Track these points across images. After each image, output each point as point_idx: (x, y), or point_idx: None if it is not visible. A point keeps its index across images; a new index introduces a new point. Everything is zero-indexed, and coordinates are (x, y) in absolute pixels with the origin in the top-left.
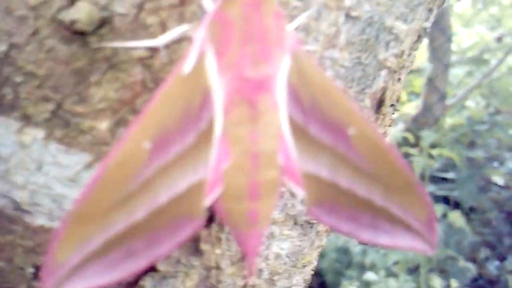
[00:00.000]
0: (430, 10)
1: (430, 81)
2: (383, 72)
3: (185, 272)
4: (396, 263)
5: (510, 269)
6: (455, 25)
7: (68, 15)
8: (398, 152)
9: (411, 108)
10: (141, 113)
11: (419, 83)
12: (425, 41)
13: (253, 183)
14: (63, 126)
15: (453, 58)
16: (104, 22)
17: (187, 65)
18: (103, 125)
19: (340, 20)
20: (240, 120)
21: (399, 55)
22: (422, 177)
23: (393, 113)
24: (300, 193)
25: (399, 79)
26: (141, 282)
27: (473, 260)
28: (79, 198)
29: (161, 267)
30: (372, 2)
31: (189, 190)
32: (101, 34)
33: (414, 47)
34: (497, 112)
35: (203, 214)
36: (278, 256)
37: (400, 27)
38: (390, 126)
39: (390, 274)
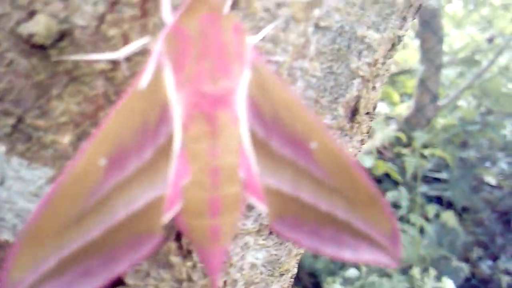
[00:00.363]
0: (404, 19)
1: (422, 82)
2: (356, 81)
3: (155, 286)
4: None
5: (503, 269)
6: (447, 26)
7: (26, 28)
8: (362, 168)
9: (403, 109)
10: (97, 129)
11: (411, 84)
12: (417, 43)
13: (214, 199)
14: (24, 140)
15: (445, 59)
16: (64, 35)
17: (144, 79)
18: (65, 139)
19: (309, 31)
20: (199, 136)
21: (373, 64)
22: (415, 177)
23: (371, 121)
24: (262, 208)
25: (373, 88)
26: None
27: (466, 260)
28: (33, 215)
29: (130, 280)
30: (342, 12)
31: (147, 207)
32: (61, 47)
33: (388, 56)
34: (489, 112)
35: (162, 230)
36: (253, 266)
37: (373, 36)
38: (368, 133)
39: (384, 274)
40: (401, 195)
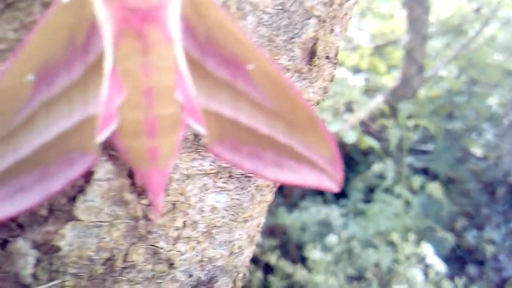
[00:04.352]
0: None
1: (409, 54)
2: (312, 21)
3: (109, 222)
4: (375, 234)
5: (487, 238)
6: None
7: None
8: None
9: (389, 80)
10: (22, 44)
11: (398, 55)
12: (404, 13)
13: (150, 119)
14: None
15: (431, 29)
16: None
17: None
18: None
19: None
20: (130, 53)
21: (329, 4)
22: (400, 148)
23: (334, 68)
24: (201, 130)
25: (332, 30)
26: (61, 231)
27: (452, 230)
28: None
29: (82, 215)
30: None
31: (78, 125)
32: None
33: None
34: (474, 82)
35: (96, 149)
36: (214, 209)
37: None
38: (331, 81)
39: (370, 245)
40: (387, 167)
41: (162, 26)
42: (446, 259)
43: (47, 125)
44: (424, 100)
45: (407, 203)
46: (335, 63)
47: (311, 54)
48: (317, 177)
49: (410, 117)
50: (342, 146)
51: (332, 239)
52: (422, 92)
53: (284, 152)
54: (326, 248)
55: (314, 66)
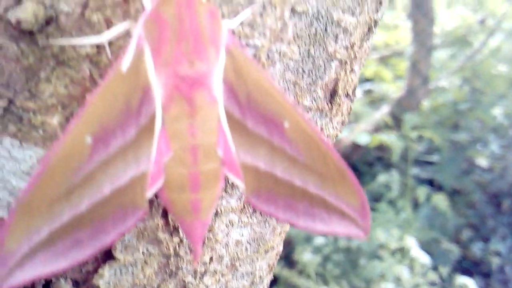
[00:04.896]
0: (380, 2)
1: (413, 65)
2: (334, 64)
3: (143, 260)
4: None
5: (493, 250)
6: (438, 7)
7: (15, 15)
8: (331, 144)
9: (394, 90)
10: (81, 109)
11: (403, 66)
12: (409, 24)
13: (194, 174)
14: (16, 121)
15: (436, 41)
16: (50, 20)
17: (125, 62)
18: (54, 120)
19: (286, 15)
20: (179, 116)
21: (350, 47)
22: (405, 159)
23: (352, 102)
24: (239, 183)
25: (352, 70)
26: (100, 271)
27: (457, 242)
28: (25, 190)
29: (119, 255)
30: None
31: (131, 182)
32: (48, 32)
33: (365, 38)
34: (479, 93)
35: (146, 204)
36: (238, 243)
37: (348, 20)
38: (349, 114)
39: (375, 257)
40: (392, 178)
41: (208, 90)
42: (452, 271)
43: (103, 182)
44: (429, 111)
45: (413, 215)
46: (353, 99)
47: (332, 94)
48: (346, 226)
49: (414, 128)
50: (353, 149)
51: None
52: (426, 104)
53: (316, 202)
54: (326, 258)
55: (335, 104)
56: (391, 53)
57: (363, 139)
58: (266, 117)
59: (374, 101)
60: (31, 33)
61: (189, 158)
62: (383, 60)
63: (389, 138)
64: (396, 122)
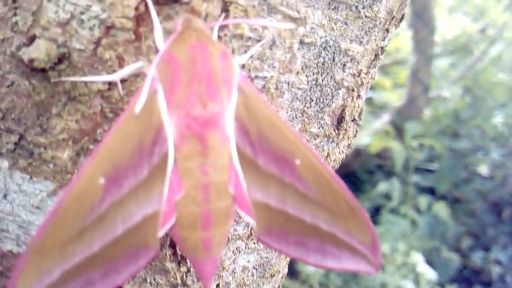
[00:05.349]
0: (387, 30)
1: (414, 74)
2: (341, 91)
3: None
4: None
5: (494, 259)
6: (439, 15)
7: (27, 53)
8: (341, 179)
9: (395, 99)
10: (95, 151)
11: (403, 74)
12: (409, 33)
13: (205, 212)
14: (26, 156)
15: (437, 49)
16: (62, 58)
17: (139, 104)
18: (65, 154)
19: (294, 47)
20: (191, 155)
21: (357, 74)
22: (406, 168)
23: (358, 126)
24: (251, 221)
25: (358, 96)
26: None
27: (457, 250)
28: (38, 230)
29: (127, 286)
30: (326, 28)
31: (143, 222)
32: (60, 69)
33: (372, 65)
34: (480, 101)
35: (157, 244)
36: (245, 269)
37: (356, 48)
38: (355, 137)
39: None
40: (393, 186)
41: (220, 129)
42: (453, 280)
43: (116, 222)
44: (429, 120)
45: (413, 222)
46: (359, 123)
47: (339, 120)
48: (357, 262)
49: (415, 136)
50: (354, 157)
51: None
52: (427, 112)
53: (327, 239)
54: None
55: (342, 129)
56: (391, 62)
57: (364, 140)
58: (277, 155)
59: (375, 111)
60: (43, 71)
61: (201, 196)
62: (384, 69)
63: (392, 143)
64: (397, 131)
